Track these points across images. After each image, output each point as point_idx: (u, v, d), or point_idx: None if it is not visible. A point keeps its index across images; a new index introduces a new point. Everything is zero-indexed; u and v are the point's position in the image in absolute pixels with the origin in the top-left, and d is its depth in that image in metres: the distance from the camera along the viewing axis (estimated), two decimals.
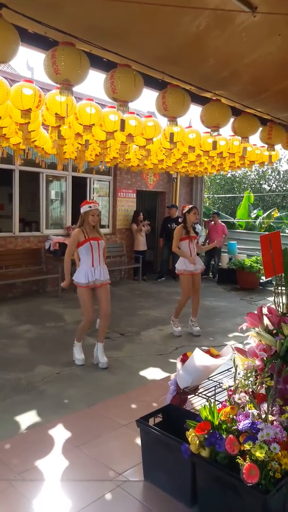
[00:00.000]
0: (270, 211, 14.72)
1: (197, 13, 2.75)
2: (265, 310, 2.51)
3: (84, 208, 4.38)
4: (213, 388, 2.72)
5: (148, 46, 3.23)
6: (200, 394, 2.72)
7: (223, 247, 10.79)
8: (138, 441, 2.59)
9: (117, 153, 6.10)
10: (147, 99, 4.58)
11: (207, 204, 20.07)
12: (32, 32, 3.04)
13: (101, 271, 4.40)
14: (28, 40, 3.06)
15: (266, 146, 5.40)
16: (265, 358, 2.31)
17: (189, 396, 2.85)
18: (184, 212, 5.67)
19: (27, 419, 3.34)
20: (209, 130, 4.31)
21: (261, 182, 25.21)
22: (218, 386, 2.75)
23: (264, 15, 2.73)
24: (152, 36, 3.06)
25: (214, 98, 4.15)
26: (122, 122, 3.58)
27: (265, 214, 14.44)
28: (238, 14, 2.72)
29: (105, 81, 3.20)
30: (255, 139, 5.16)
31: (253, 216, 14.76)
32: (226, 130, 4.71)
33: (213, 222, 10.37)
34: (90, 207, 4.35)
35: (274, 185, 25.32)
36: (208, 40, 3.09)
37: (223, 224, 10.66)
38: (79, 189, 9.03)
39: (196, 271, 5.66)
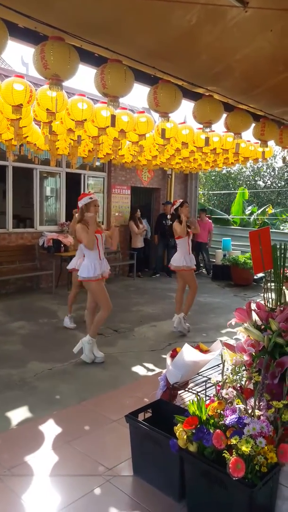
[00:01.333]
0: (264, 207, 14.74)
1: (188, 8, 2.73)
2: (253, 306, 2.52)
3: (84, 200, 4.33)
4: (203, 384, 2.73)
5: (139, 41, 3.20)
6: (189, 390, 2.73)
7: (216, 244, 10.83)
8: (129, 436, 2.60)
9: (110, 149, 6.08)
10: (141, 95, 4.56)
11: (202, 200, 20.04)
12: (23, 27, 3.01)
13: (106, 263, 4.49)
14: (19, 35, 3.03)
15: (259, 142, 5.40)
16: (253, 354, 2.32)
17: (179, 392, 2.86)
18: (175, 207, 5.63)
19: (19, 414, 3.34)
20: (201, 126, 4.30)
21: (256, 179, 25.22)
22: (208, 381, 2.77)
23: (255, 10, 2.71)
24: (143, 31, 3.04)
25: (207, 94, 4.14)
26: (113, 117, 3.57)
27: (260, 211, 14.47)
28: (229, 9, 2.70)
29: (96, 76, 3.18)
30: (249, 135, 5.16)
31: (247, 212, 14.77)
32: (220, 126, 4.70)
33: (199, 219, 10.43)
34: (91, 198, 4.32)
35: (269, 181, 25.35)
36: (199, 35, 3.07)
37: (210, 221, 10.72)
38: (73, 185, 9.00)
39: (192, 267, 5.68)
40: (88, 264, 4.36)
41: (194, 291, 5.70)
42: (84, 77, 5.40)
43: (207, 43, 3.21)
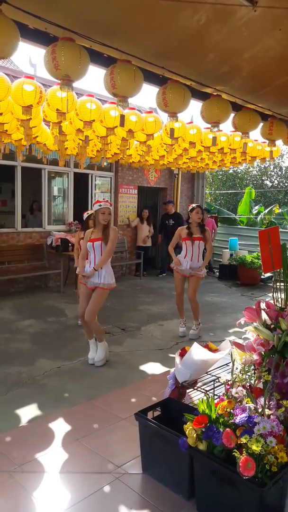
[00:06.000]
0: (271, 207, 14.67)
1: (197, 8, 2.74)
2: (263, 305, 2.53)
3: (94, 207, 4.35)
4: (212, 382, 2.74)
5: (148, 41, 3.22)
6: (198, 388, 2.74)
7: (223, 243, 10.82)
8: (137, 434, 2.62)
9: (118, 149, 6.10)
10: (148, 95, 4.57)
11: (209, 200, 20.01)
12: (33, 28, 3.03)
13: (98, 273, 4.28)
14: (29, 36, 3.06)
15: (267, 141, 5.39)
16: (262, 353, 2.33)
17: (187, 390, 2.87)
18: (188, 210, 5.48)
19: (28, 412, 3.37)
20: (209, 126, 4.31)
21: (263, 178, 25.13)
22: (217, 380, 2.78)
23: (264, 9, 2.71)
24: (152, 31, 3.05)
25: (215, 93, 4.14)
26: (122, 117, 3.58)
27: (267, 210, 14.41)
28: (238, 8, 2.71)
29: (105, 77, 3.20)
30: (256, 134, 5.15)
31: (254, 212, 14.72)
32: (227, 126, 4.70)
33: None
34: (100, 205, 4.29)
35: (276, 181, 25.24)
36: (208, 35, 3.08)
37: (212, 219, 10.68)
38: (81, 185, 9.04)
39: (185, 274, 5.38)
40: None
41: (177, 295, 5.53)
42: (89, 76, 5.43)
43: (215, 42, 3.21)
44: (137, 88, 3.22)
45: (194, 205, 5.58)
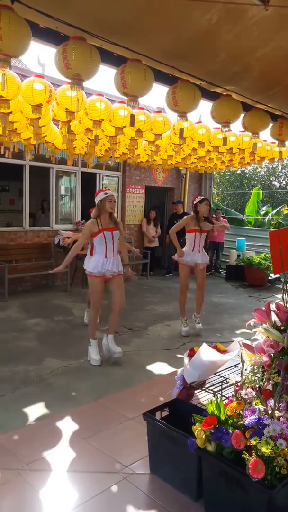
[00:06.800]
0: (279, 208, 14.59)
1: (209, 7, 2.72)
2: (273, 307, 2.51)
3: (99, 196, 4.31)
4: (220, 384, 2.73)
5: (158, 40, 3.21)
6: (206, 389, 2.73)
7: (230, 244, 10.78)
8: (145, 434, 2.61)
9: (127, 148, 6.10)
10: (156, 94, 4.57)
11: (216, 200, 19.94)
12: (44, 27, 3.04)
13: (114, 262, 4.34)
14: (39, 34, 3.06)
15: (276, 142, 5.35)
16: (272, 354, 2.31)
17: (195, 391, 2.86)
18: (195, 203, 5.45)
19: (35, 410, 3.38)
20: (219, 126, 4.29)
21: (271, 179, 25.00)
22: (225, 381, 2.76)
23: (276, 9, 2.69)
24: (162, 30, 3.04)
25: (225, 93, 4.12)
26: (132, 117, 3.58)
27: (275, 211, 14.33)
28: (250, 7, 2.69)
29: (116, 76, 3.20)
30: (265, 134, 5.12)
31: (262, 212, 14.66)
32: (236, 126, 4.67)
33: (215, 218, 10.42)
34: (106, 193, 4.28)
35: (284, 181, 25.10)
36: (219, 34, 3.07)
37: (225, 219, 10.67)
38: (89, 184, 9.06)
39: (192, 265, 5.48)
40: (92, 259, 4.37)
41: (182, 289, 5.59)
42: (98, 76, 5.42)
43: (226, 42, 3.20)
44: (147, 88, 3.21)
45: (201, 197, 5.58)
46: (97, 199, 4.35)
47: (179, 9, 2.77)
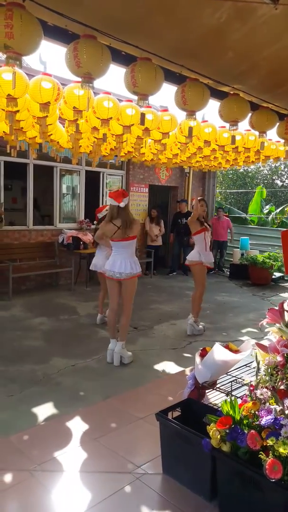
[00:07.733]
0: (283, 207, 14.56)
1: (219, 5, 2.71)
2: (286, 306, 2.49)
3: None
4: (231, 383, 2.72)
5: (168, 39, 3.19)
6: (219, 389, 2.72)
7: (234, 243, 10.76)
8: (156, 434, 2.60)
9: (132, 147, 6.07)
10: (161, 93, 4.55)
11: (219, 199, 19.91)
12: (52, 25, 3.02)
13: (124, 264, 4.41)
14: (48, 33, 3.03)
15: (282, 141, 5.33)
16: (286, 354, 2.30)
17: (206, 391, 2.85)
18: (193, 204, 5.65)
19: (44, 410, 3.37)
20: (225, 124, 4.27)
21: (273, 178, 24.95)
22: (236, 381, 2.75)
23: (285, 7, 2.68)
24: (172, 29, 3.03)
25: (232, 92, 4.10)
26: (142, 116, 3.56)
27: (278, 210, 14.30)
28: (259, 6, 2.68)
29: (126, 75, 3.18)
30: (271, 133, 5.09)
31: (265, 211, 14.63)
32: (242, 125, 4.64)
33: (217, 217, 10.42)
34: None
35: (287, 180, 25.05)
36: (228, 33, 3.06)
37: (227, 218, 10.66)
38: (92, 183, 9.04)
39: (208, 265, 5.60)
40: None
41: (201, 290, 5.58)
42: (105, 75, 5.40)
43: (235, 40, 3.19)
44: (157, 87, 3.19)
45: (199, 198, 5.77)
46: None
47: (189, 8, 2.76)
